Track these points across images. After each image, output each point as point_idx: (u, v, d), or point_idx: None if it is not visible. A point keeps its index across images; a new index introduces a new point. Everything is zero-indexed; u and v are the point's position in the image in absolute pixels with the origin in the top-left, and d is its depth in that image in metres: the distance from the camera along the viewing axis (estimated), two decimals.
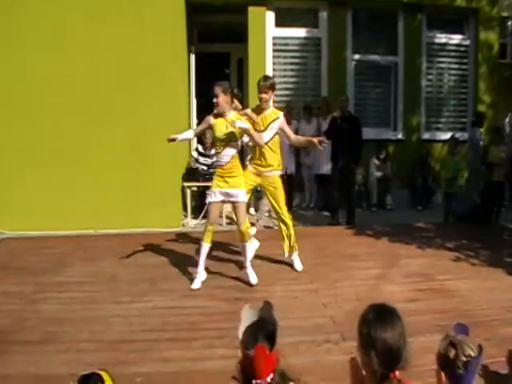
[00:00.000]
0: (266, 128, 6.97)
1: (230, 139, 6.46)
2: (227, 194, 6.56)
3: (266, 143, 6.98)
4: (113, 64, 9.28)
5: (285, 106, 11.08)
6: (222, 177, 6.54)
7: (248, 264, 6.73)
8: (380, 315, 2.34)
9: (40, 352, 4.87)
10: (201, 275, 6.66)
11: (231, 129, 6.38)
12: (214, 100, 6.45)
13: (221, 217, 10.19)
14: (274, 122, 7.01)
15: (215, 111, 6.58)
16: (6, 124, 9.22)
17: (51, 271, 7.16)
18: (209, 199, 6.73)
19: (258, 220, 8.92)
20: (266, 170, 7.12)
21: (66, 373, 4.27)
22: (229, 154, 6.50)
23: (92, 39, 9.24)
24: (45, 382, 4.33)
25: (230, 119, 6.40)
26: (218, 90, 6.43)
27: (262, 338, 2.20)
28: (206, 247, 6.62)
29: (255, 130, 6.79)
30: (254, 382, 2.17)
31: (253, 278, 6.65)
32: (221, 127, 6.45)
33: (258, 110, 7.06)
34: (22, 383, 4.36)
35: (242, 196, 6.61)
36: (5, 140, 9.22)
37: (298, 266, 7.28)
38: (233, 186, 6.53)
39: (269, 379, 2.17)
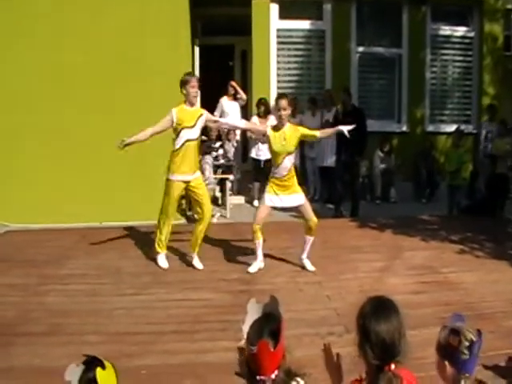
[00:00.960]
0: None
1: (288, 152, 6.56)
2: (281, 200, 6.69)
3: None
4: (114, 56, 9.25)
5: (291, 99, 11.09)
6: (278, 185, 6.65)
7: (304, 255, 6.96)
8: (375, 308, 2.34)
9: (44, 344, 4.88)
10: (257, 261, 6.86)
11: (289, 142, 6.52)
12: (283, 112, 6.51)
13: (225, 209, 10.20)
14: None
15: (273, 123, 6.83)
16: (8, 118, 9.21)
17: (55, 264, 7.17)
18: (261, 201, 6.89)
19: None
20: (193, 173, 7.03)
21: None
22: (287, 166, 6.62)
23: (93, 31, 9.22)
24: (49, 374, 4.31)
25: (287, 132, 6.56)
26: (285, 103, 6.54)
27: (267, 334, 2.20)
28: (259, 243, 6.78)
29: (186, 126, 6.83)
30: (258, 378, 2.17)
31: (309, 266, 6.92)
32: (279, 141, 6.55)
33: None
34: (27, 375, 4.36)
35: (301, 199, 6.78)
36: (7, 133, 9.22)
37: (198, 264, 7.09)
38: (290, 191, 6.69)
39: (273, 376, 2.17)
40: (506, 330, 5.01)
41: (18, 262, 7.29)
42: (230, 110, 10.83)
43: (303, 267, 6.96)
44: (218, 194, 10.88)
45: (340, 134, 9.59)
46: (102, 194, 9.16)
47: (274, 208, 6.91)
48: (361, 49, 11.94)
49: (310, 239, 6.88)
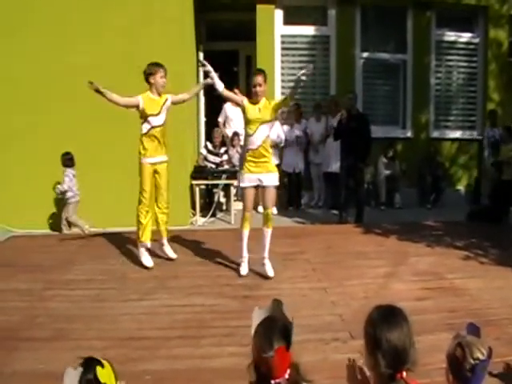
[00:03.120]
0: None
1: (263, 121, 6.56)
2: (259, 180, 6.65)
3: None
4: (118, 59, 9.25)
5: (293, 105, 11.12)
6: (253, 162, 6.63)
7: (266, 254, 6.84)
8: (385, 316, 2.34)
9: (49, 349, 4.88)
10: (245, 259, 6.91)
11: (263, 112, 6.56)
12: (258, 89, 6.55)
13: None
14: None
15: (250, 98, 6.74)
16: (12, 121, 9.23)
17: (60, 269, 7.18)
18: (241, 184, 6.85)
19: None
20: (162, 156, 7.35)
21: None
22: (261, 136, 6.59)
23: (97, 34, 9.25)
24: (53, 379, 4.26)
25: (262, 105, 6.62)
26: (261, 79, 6.58)
27: (278, 338, 2.20)
28: (245, 233, 6.81)
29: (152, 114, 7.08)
30: (272, 382, 2.17)
31: (270, 271, 6.78)
32: (253, 110, 6.59)
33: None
34: (31, 380, 4.36)
35: (276, 180, 6.74)
36: (12, 137, 9.24)
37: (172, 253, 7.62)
38: (266, 170, 6.66)
39: (287, 376, 2.18)
40: (511, 337, 4.99)
41: (22, 267, 7.30)
42: (233, 116, 10.87)
43: (307, 272, 6.97)
44: (223, 200, 10.90)
45: (344, 141, 9.68)
46: (108, 198, 9.16)
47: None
48: (365, 54, 11.94)
49: (269, 232, 6.79)
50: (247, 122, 6.69)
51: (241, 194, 7.48)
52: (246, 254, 6.91)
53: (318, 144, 11.19)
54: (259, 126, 6.55)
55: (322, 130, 11.06)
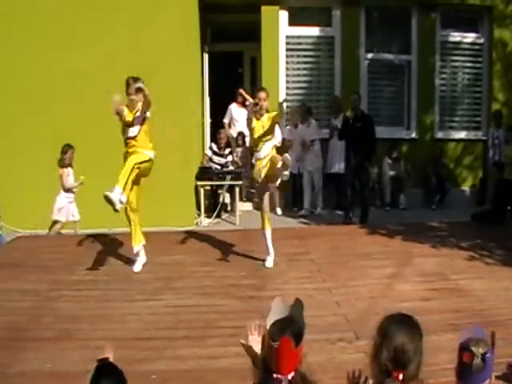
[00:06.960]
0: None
1: (267, 139, 7.03)
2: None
3: None
4: (122, 60, 9.29)
5: (300, 106, 11.13)
6: (260, 165, 7.06)
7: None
8: (399, 320, 2.34)
9: (55, 349, 4.90)
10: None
11: (267, 128, 6.96)
12: (264, 104, 6.96)
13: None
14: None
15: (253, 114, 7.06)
16: (17, 123, 9.27)
17: (66, 269, 7.21)
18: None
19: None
20: None
21: (81, 370, 4.28)
22: (266, 151, 7.03)
23: (104, 37, 9.29)
24: (60, 379, 4.36)
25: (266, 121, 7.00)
26: (264, 94, 7.01)
27: (289, 333, 2.20)
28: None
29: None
30: (275, 376, 2.17)
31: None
32: (258, 130, 7.00)
33: None
34: (38, 380, 4.38)
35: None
36: (17, 139, 9.28)
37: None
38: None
39: (290, 377, 2.18)
40: None
41: (29, 267, 7.32)
42: (238, 117, 10.89)
43: (312, 273, 6.99)
44: (228, 201, 10.91)
45: (349, 141, 9.70)
46: None
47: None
48: (370, 55, 11.94)
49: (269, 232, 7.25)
50: (253, 140, 7.20)
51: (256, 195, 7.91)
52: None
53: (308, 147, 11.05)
54: (263, 145, 7.01)
55: (310, 134, 10.96)
